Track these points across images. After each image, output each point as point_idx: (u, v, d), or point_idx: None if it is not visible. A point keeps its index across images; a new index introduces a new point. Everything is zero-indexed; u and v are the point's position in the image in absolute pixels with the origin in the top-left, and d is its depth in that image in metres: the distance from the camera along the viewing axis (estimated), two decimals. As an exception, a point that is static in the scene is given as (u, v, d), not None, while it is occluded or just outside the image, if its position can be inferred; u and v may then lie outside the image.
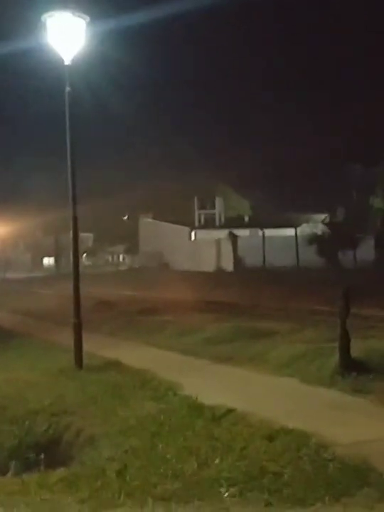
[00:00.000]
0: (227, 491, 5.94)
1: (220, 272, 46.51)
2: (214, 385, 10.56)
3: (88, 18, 12.43)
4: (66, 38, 12.38)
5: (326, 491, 5.83)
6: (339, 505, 5.61)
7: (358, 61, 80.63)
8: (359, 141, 58.24)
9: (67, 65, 12.47)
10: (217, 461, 6.69)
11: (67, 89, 12.44)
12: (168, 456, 6.96)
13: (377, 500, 5.64)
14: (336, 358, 10.66)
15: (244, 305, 22.50)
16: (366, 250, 43.33)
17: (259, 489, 5.93)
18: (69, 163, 12.61)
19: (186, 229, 60.44)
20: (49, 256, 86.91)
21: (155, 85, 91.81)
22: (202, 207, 69.44)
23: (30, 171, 68.87)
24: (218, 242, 50.60)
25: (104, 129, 79.88)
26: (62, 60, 12.47)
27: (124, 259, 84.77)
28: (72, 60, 12.55)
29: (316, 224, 48.88)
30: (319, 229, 46.61)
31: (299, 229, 50.37)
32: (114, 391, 10.18)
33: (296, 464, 6.47)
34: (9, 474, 7.83)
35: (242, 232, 52.19)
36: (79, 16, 12.32)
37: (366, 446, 6.99)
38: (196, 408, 8.73)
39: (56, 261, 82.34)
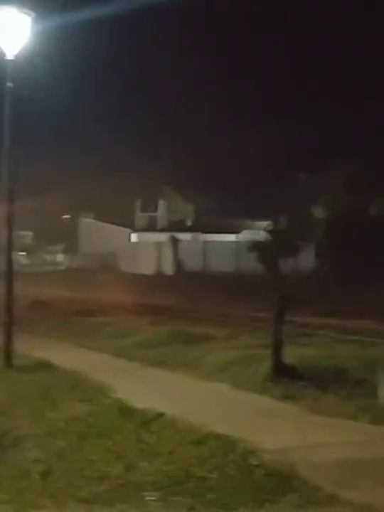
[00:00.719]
0: (151, 495, 5.92)
1: (160, 275, 46.48)
2: (145, 388, 10.56)
3: (33, 14, 12.39)
4: (10, 32, 12.31)
5: (251, 497, 5.87)
6: (262, 511, 5.63)
7: (308, 67, 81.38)
8: (304, 150, 58.91)
9: (9, 60, 12.37)
10: (144, 464, 6.67)
11: (9, 84, 12.33)
12: (94, 458, 6.91)
13: (300, 507, 5.68)
14: (268, 365, 10.73)
15: (182, 309, 22.54)
16: (307, 258, 43.75)
17: (183, 493, 5.93)
18: (8, 158, 12.49)
19: (127, 231, 60.28)
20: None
21: (100, 82, 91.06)
22: (144, 209, 69.31)
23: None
24: (159, 245, 50.57)
25: (47, 126, 79.07)
26: (4, 55, 12.36)
27: (62, 258, 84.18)
28: (16, 56, 12.46)
29: (257, 231, 49.25)
30: (261, 236, 46.94)
31: (240, 235, 50.70)
32: (44, 392, 10.05)
33: (223, 469, 6.49)
34: None
35: (183, 236, 52.30)
36: (24, 12, 12.25)
37: (293, 453, 7.03)
38: (126, 411, 8.70)
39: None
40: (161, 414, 8.41)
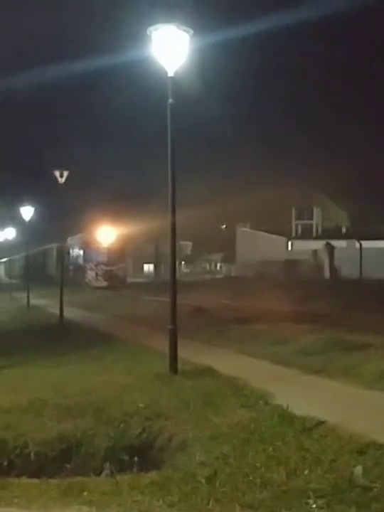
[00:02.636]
0: (314, 503, 5.95)
1: (316, 282, 46.16)
2: (305, 395, 10.56)
3: (192, 32, 12.63)
4: (170, 50, 12.60)
5: (416, 508, 5.80)
6: None
7: None
8: None
9: (170, 77, 12.70)
10: (306, 472, 6.70)
11: (170, 100, 12.68)
12: (257, 464, 7.00)
13: None
14: None
15: (338, 317, 22.31)
16: None
17: (347, 502, 5.92)
18: (169, 171, 12.82)
19: (283, 239, 60.41)
20: (149, 263, 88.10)
21: (254, 96, 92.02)
22: (299, 217, 69.26)
23: (134, 179, 70.18)
24: (315, 252, 50.25)
25: (203, 140, 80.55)
26: (166, 72, 12.72)
27: (221, 267, 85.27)
28: (175, 72, 12.79)
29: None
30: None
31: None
32: (207, 397, 10.29)
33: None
34: (103, 475, 8.08)
35: (339, 243, 51.74)
36: (183, 29, 12.55)
37: None
38: (287, 418, 8.75)
39: (155, 268, 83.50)
40: (322, 422, 8.41)
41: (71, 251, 60.70)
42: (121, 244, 57.50)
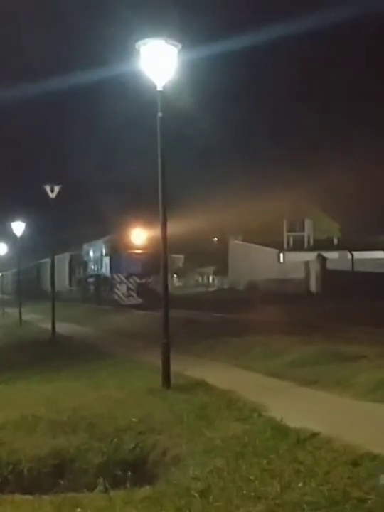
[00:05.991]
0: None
1: (308, 294, 46.21)
2: (299, 407, 10.55)
3: (180, 46, 12.68)
4: (159, 64, 12.63)
5: (410, 519, 5.79)
6: None
7: None
8: None
9: (159, 91, 12.73)
10: (300, 484, 6.66)
11: (159, 114, 12.70)
12: (251, 477, 6.97)
13: None
14: None
15: (331, 328, 22.30)
16: None
17: (342, 514, 5.89)
18: (160, 185, 12.84)
19: (275, 251, 60.46)
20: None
21: (244, 110, 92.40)
22: (291, 229, 69.49)
23: (124, 192, 70.01)
24: (307, 264, 50.31)
25: (193, 153, 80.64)
26: (155, 86, 12.75)
27: (213, 280, 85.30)
28: (164, 86, 12.81)
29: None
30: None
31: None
32: (200, 411, 10.27)
33: (381, 491, 6.39)
34: (97, 490, 8.03)
35: (331, 255, 51.82)
36: (171, 44, 12.59)
37: None
38: (280, 430, 8.72)
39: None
40: (315, 434, 8.39)
41: (89, 260, 51.04)
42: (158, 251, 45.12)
